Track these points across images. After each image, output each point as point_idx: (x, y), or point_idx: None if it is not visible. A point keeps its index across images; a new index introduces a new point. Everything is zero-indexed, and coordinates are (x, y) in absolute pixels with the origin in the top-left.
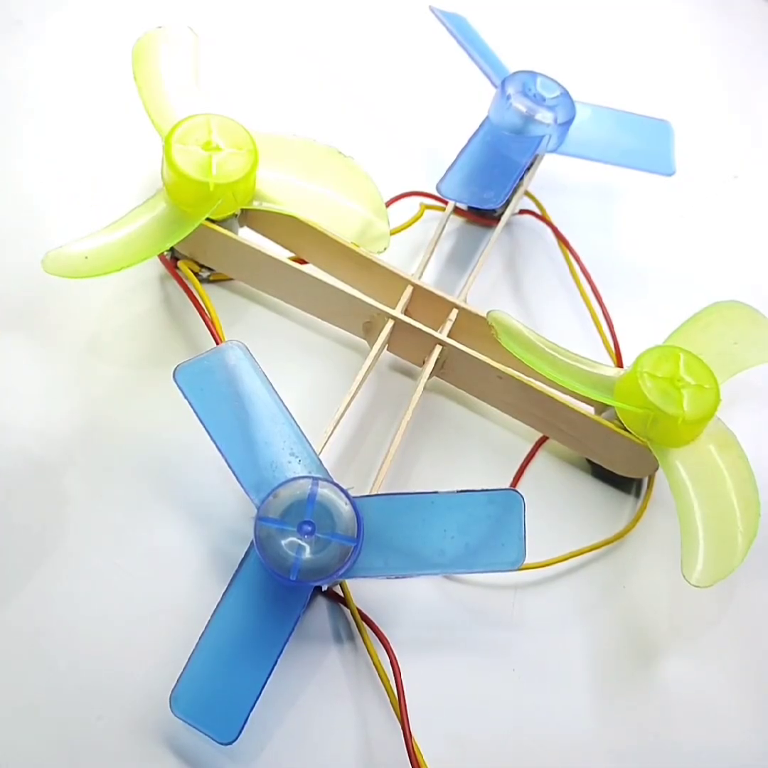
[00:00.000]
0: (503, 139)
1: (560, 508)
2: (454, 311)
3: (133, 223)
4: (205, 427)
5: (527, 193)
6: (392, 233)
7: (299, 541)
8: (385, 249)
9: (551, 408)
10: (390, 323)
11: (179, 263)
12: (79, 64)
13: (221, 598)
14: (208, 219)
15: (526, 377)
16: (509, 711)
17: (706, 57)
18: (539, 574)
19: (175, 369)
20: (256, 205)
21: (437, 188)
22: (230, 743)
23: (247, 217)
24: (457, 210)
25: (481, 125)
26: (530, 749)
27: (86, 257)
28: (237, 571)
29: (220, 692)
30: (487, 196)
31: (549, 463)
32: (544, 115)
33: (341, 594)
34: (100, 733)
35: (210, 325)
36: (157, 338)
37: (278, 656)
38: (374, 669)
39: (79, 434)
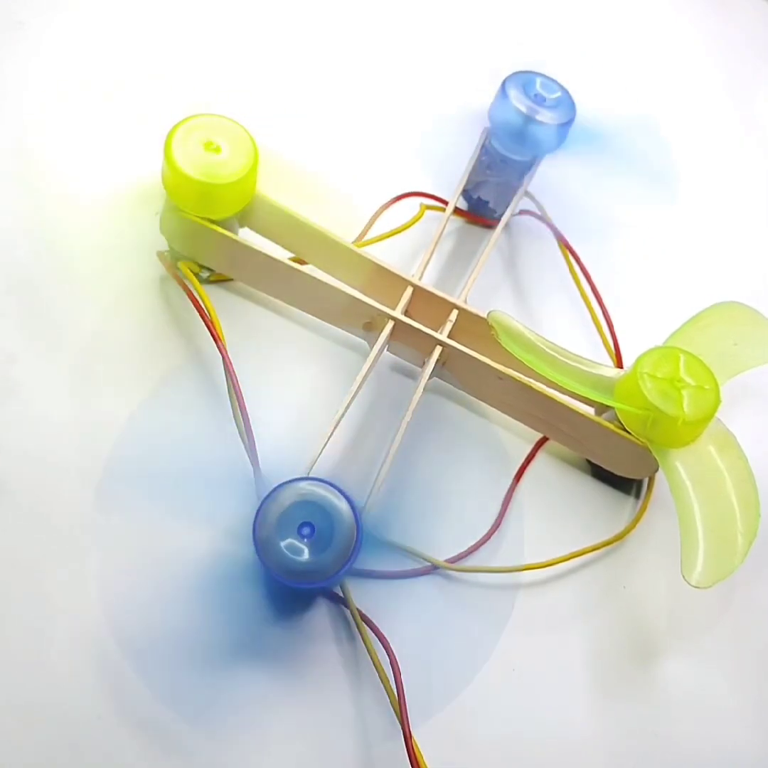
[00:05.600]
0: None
1: (560, 509)
2: (455, 312)
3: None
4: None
5: (527, 193)
6: (392, 233)
7: (298, 543)
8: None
9: (551, 409)
10: (390, 324)
11: (179, 263)
12: (80, 64)
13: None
14: (208, 219)
15: (526, 378)
16: (509, 711)
17: (705, 57)
18: (539, 574)
19: None
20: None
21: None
22: None
23: (247, 217)
24: (457, 210)
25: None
26: (530, 749)
27: None
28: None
29: None
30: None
31: (549, 463)
32: (545, 116)
33: (341, 594)
34: (101, 734)
35: (210, 325)
36: (157, 338)
37: None
38: (374, 669)
39: (78, 434)
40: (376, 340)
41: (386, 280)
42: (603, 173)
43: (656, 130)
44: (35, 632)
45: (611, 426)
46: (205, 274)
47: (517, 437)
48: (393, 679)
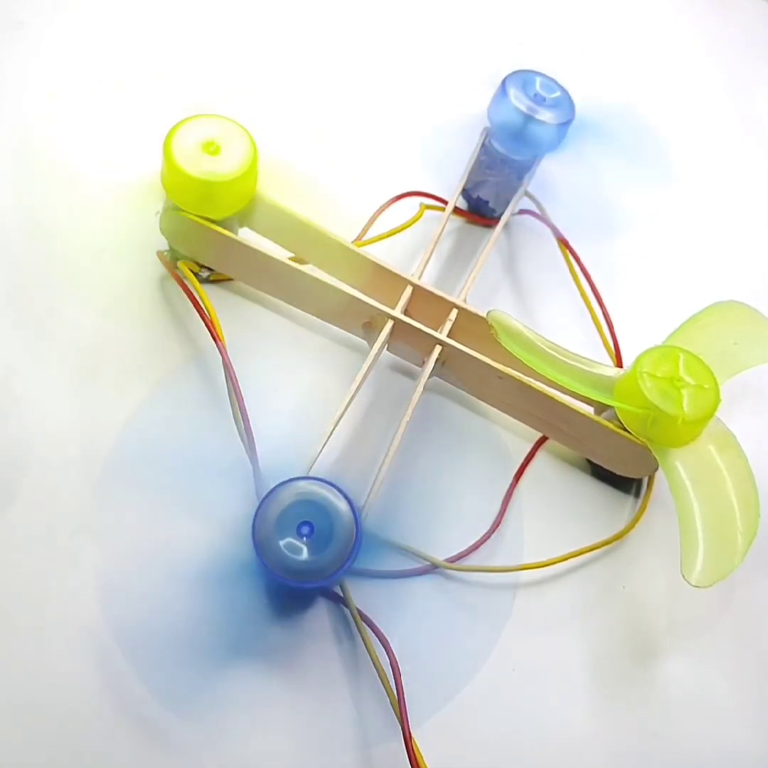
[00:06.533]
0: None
1: (560, 508)
2: (454, 311)
3: None
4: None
5: (527, 193)
6: (392, 233)
7: (297, 543)
8: None
9: (551, 408)
10: (390, 323)
11: (179, 263)
12: (80, 65)
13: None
14: (208, 219)
15: (526, 377)
16: (509, 711)
17: (705, 57)
18: (539, 574)
19: None
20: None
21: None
22: None
23: (247, 217)
24: (457, 210)
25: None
26: (530, 749)
27: None
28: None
29: None
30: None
31: (549, 463)
32: (545, 115)
33: (341, 594)
34: (100, 733)
35: (209, 325)
36: (157, 338)
37: None
38: (374, 669)
39: (77, 433)
40: (376, 339)
41: (386, 280)
42: (600, 162)
43: (646, 121)
44: (35, 632)
45: (611, 425)
46: (205, 274)
47: (517, 437)
48: (393, 679)
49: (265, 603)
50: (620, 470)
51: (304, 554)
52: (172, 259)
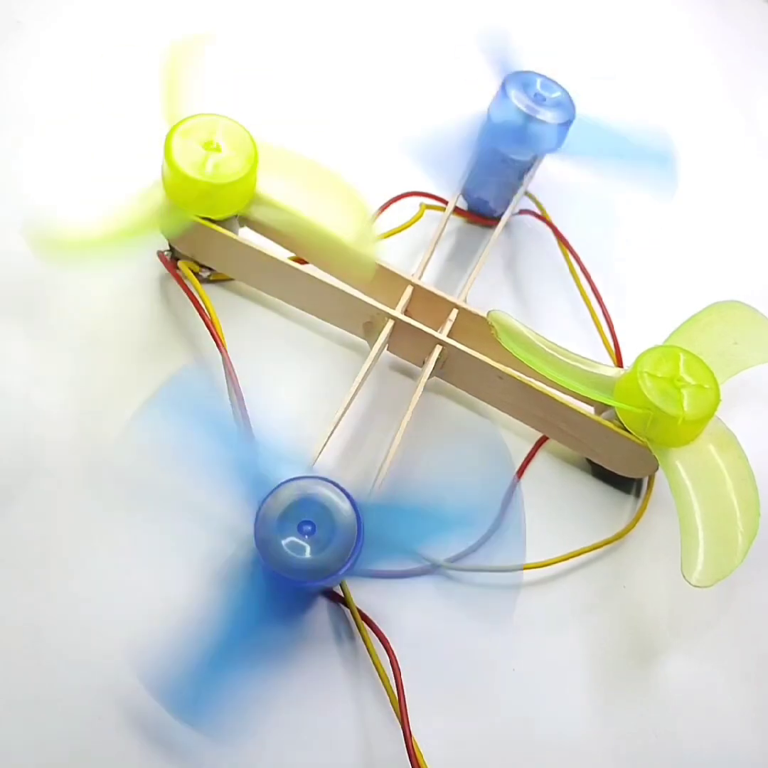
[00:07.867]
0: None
1: (560, 508)
2: (454, 311)
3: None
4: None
5: (527, 193)
6: (392, 233)
7: (300, 541)
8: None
9: (551, 408)
10: (390, 323)
11: (179, 263)
12: (79, 65)
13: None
14: (208, 219)
15: (526, 377)
16: (509, 711)
17: (705, 57)
18: (539, 574)
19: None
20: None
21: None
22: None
23: (247, 217)
24: (457, 210)
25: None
26: (530, 749)
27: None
28: (237, 571)
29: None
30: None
31: (549, 463)
32: (545, 115)
33: (341, 594)
34: (100, 733)
35: (210, 325)
36: (157, 338)
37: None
38: (374, 669)
39: (77, 433)
40: (376, 339)
41: (386, 280)
42: (603, 167)
43: (660, 132)
44: (35, 632)
45: (611, 425)
46: (205, 274)
47: (517, 436)
48: (393, 679)
49: (265, 603)
50: (620, 470)
51: (307, 553)
52: (172, 259)
